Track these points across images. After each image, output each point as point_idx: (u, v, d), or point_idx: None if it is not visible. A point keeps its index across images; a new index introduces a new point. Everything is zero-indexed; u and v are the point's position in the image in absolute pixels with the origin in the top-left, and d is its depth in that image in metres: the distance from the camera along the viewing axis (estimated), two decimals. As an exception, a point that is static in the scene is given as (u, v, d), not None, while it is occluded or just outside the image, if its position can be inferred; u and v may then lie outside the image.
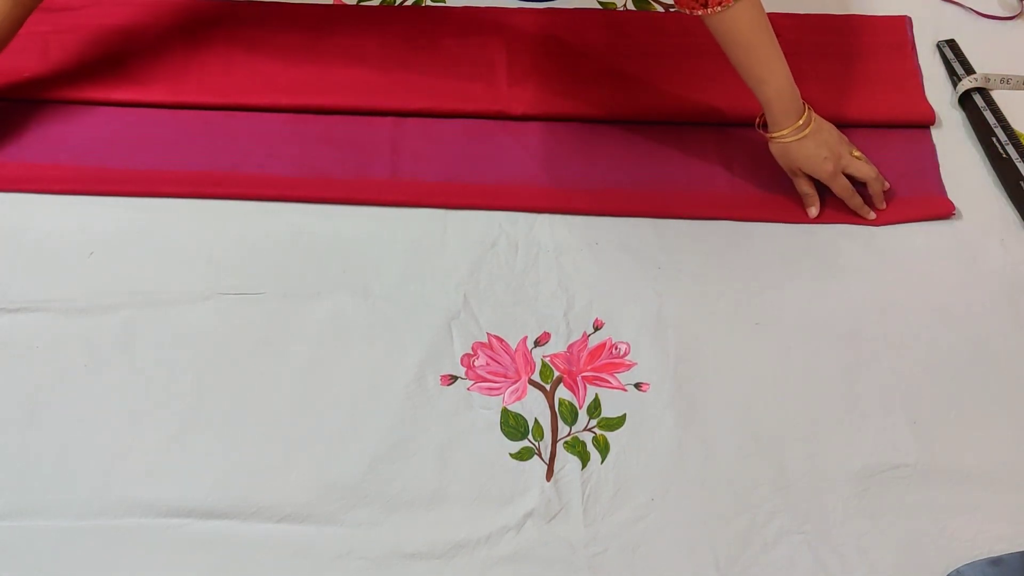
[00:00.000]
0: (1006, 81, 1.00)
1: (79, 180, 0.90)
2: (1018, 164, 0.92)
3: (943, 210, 0.90)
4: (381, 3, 1.08)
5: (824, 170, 0.87)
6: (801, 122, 0.85)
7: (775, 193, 0.92)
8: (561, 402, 0.79)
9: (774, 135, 0.87)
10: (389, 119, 0.97)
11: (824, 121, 0.89)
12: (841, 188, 0.89)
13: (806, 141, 0.86)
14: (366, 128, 0.96)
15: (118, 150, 0.93)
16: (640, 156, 0.95)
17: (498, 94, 0.98)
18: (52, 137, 0.94)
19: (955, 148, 0.96)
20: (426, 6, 1.07)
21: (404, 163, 0.93)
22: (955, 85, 1.00)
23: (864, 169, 0.89)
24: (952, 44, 1.04)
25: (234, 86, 0.99)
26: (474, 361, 0.81)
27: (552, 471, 0.75)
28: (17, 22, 0.89)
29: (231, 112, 0.97)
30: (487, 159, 0.94)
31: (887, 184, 0.91)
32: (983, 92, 0.99)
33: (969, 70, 1.01)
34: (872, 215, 0.90)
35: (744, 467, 0.76)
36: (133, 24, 1.04)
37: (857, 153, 0.90)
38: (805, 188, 0.90)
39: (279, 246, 0.87)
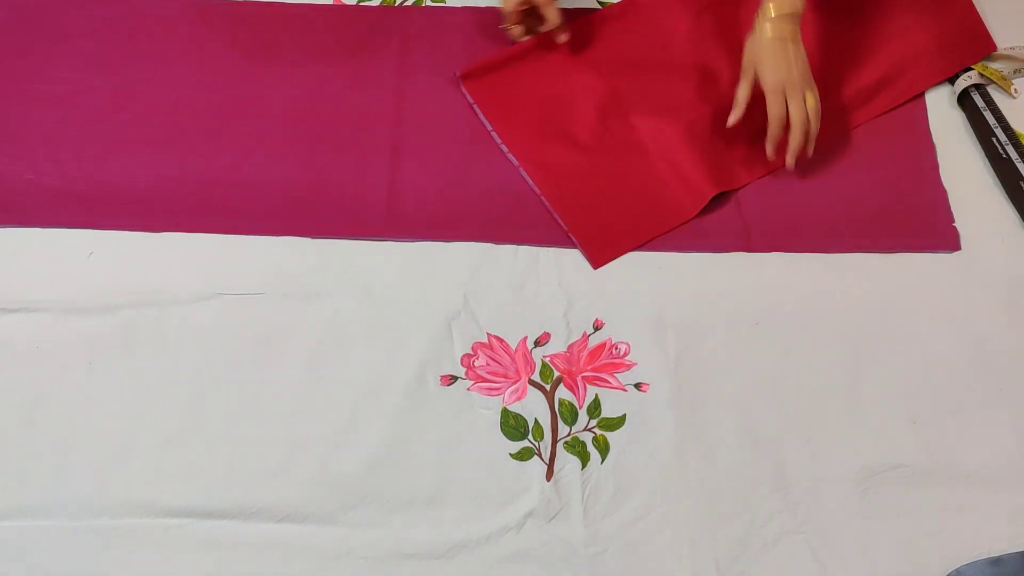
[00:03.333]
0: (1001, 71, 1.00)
1: (73, 199, 0.90)
2: (1018, 164, 0.92)
3: (950, 245, 0.89)
4: (381, 3, 1.08)
5: (776, 75, 0.85)
6: (788, 11, 0.85)
7: (790, 226, 0.90)
8: (561, 402, 0.79)
9: (760, 16, 0.86)
10: (388, 118, 0.96)
11: (804, 56, 0.87)
12: (775, 107, 0.86)
13: (779, 44, 0.85)
14: (367, 128, 0.96)
15: (113, 156, 0.93)
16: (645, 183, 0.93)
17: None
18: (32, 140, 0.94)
19: (955, 148, 0.96)
20: (426, 6, 1.07)
21: (403, 170, 0.93)
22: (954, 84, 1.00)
23: (799, 113, 0.86)
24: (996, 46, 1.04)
25: (232, 86, 0.99)
26: (474, 361, 0.81)
27: (552, 471, 0.75)
28: None
29: (230, 113, 0.97)
30: (489, 163, 0.94)
31: (805, 146, 0.88)
32: (983, 92, 0.99)
33: (968, 69, 1.01)
34: (769, 152, 0.88)
35: (744, 467, 0.76)
36: (130, 23, 1.04)
37: (811, 103, 0.87)
38: (741, 93, 0.88)
39: (279, 245, 0.87)
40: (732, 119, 0.88)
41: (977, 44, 1.01)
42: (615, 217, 0.90)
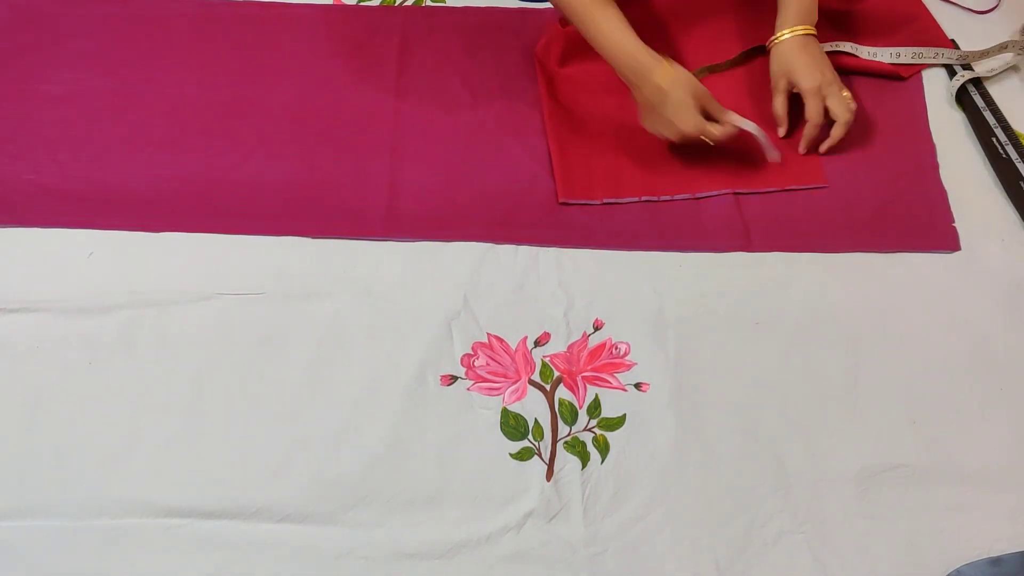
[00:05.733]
0: (985, 53, 1.01)
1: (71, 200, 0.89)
2: (1018, 164, 0.92)
3: (949, 245, 0.89)
4: (381, 3, 1.08)
5: (811, 79, 0.90)
6: (807, 28, 0.91)
7: (790, 226, 0.90)
8: (561, 402, 0.79)
9: (780, 36, 0.92)
10: (388, 118, 0.97)
11: (824, 53, 0.93)
12: (814, 109, 0.91)
13: (804, 51, 0.91)
14: (367, 128, 0.96)
15: (113, 156, 0.93)
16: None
17: (501, 93, 0.99)
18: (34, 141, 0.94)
19: (955, 148, 0.96)
20: (426, 6, 1.08)
21: (403, 170, 0.93)
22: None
23: (840, 107, 0.91)
24: (952, 44, 1.05)
25: (232, 86, 0.99)
26: (474, 361, 0.81)
27: (552, 471, 0.75)
28: None
29: (230, 113, 0.97)
30: (489, 163, 0.94)
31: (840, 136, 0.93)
32: (983, 92, 0.99)
33: (968, 69, 1.01)
34: (803, 148, 0.93)
35: (744, 467, 0.76)
36: (130, 23, 1.04)
37: (846, 93, 0.92)
38: (781, 108, 0.94)
39: (279, 245, 0.87)
40: (782, 133, 0.95)
41: (936, 44, 1.03)
42: (600, 164, 0.93)
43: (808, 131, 0.92)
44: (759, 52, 1.00)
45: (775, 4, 0.96)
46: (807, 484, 0.75)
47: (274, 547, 0.71)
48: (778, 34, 0.93)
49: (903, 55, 0.99)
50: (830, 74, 0.92)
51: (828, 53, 0.98)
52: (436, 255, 0.87)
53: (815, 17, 0.93)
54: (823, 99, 0.91)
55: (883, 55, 1.00)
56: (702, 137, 0.88)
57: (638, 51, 0.86)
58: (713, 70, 0.99)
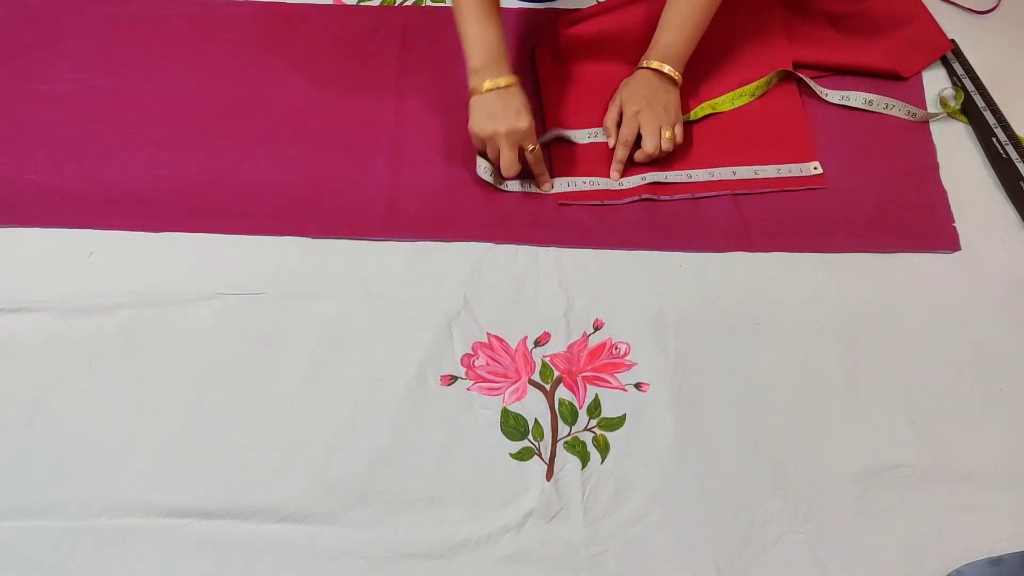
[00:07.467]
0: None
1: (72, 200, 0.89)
2: (1018, 164, 0.92)
3: (949, 245, 0.89)
4: (381, 3, 1.08)
5: (634, 104, 0.91)
6: (672, 70, 0.91)
7: (790, 226, 0.90)
8: (561, 402, 0.79)
9: (641, 63, 0.93)
10: (388, 118, 0.97)
11: (670, 98, 0.92)
12: (626, 129, 0.91)
13: (645, 86, 0.91)
14: (367, 128, 0.96)
15: (113, 156, 0.93)
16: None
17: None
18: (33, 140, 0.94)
19: (955, 148, 0.96)
20: (426, 6, 1.08)
21: (403, 170, 0.93)
22: (955, 85, 1.01)
23: (650, 137, 0.90)
24: (952, 44, 1.05)
25: (232, 86, 0.99)
26: (474, 361, 0.81)
27: (552, 471, 0.75)
28: None
29: (231, 113, 0.97)
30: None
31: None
32: (983, 92, 0.99)
33: (969, 70, 1.01)
34: (614, 176, 0.92)
35: (744, 467, 0.76)
36: (130, 23, 1.04)
37: (668, 134, 0.90)
38: (609, 121, 0.94)
39: (279, 245, 0.87)
40: (611, 144, 0.93)
41: (936, 44, 1.04)
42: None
43: (616, 152, 0.92)
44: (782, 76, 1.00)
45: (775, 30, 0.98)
46: (807, 484, 0.75)
47: (274, 547, 0.71)
48: (641, 61, 0.93)
49: (853, 99, 0.98)
50: (659, 109, 0.90)
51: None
52: (436, 255, 0.87)
53: (682, 60, 0.92)
54: (638, 125, 0.91)
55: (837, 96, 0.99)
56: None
57: (500, 53, 0.87)
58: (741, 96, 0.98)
